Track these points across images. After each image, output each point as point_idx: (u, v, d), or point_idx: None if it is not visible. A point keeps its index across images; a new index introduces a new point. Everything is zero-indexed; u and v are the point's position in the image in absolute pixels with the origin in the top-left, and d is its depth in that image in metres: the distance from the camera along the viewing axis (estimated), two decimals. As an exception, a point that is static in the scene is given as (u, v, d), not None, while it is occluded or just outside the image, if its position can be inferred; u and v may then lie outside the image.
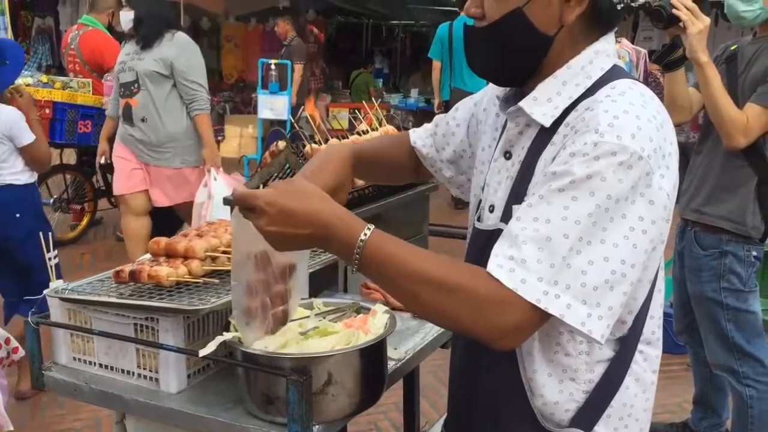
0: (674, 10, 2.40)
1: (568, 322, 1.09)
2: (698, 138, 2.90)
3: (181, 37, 4.55)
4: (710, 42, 2.60)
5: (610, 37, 1.27)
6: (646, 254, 1.14)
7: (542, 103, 1.23)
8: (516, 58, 1.26)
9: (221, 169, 4.37)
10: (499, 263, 1.11)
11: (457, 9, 8.75)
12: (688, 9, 2.39)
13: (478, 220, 1.36)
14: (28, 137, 3.58)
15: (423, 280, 1.14)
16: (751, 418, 2.83)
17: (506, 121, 1.33)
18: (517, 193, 1.25)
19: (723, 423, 3.19)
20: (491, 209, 1.32)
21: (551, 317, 1.10)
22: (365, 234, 1.16)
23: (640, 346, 1.29)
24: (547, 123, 1.23)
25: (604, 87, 1.21)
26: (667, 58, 2.62)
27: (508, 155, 1.31)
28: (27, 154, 3.62)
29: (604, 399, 1.28)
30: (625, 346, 1.27)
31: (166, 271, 1.57)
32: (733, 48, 2.79)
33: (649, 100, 1.19)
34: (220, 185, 4.10)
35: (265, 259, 1.35)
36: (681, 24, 2.43)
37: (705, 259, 2.76)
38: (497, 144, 1.35)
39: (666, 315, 4.23)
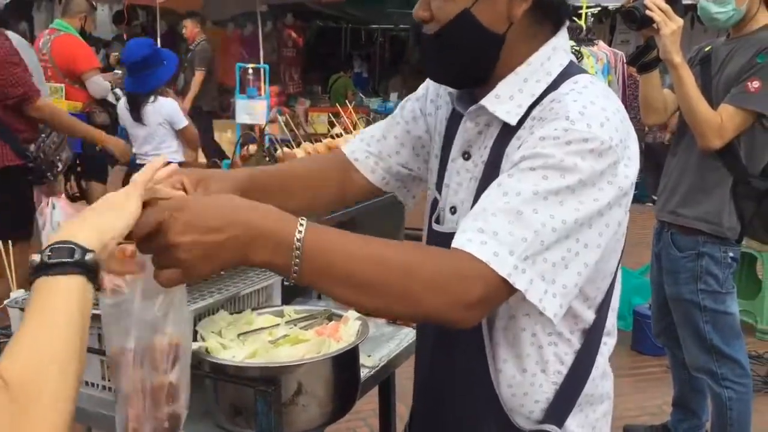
0: (647, 11, 2.40)
1: (528, 299, 1.07)
2: (673, 139, 2.90)
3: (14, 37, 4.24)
4: (687, 44, 2.60)
5: (564, 33, 1.28)
6: (604, 239, 1.14)
7: (504, 101, 1.22)
8: (470, 60, 1.24)
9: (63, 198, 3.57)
10: (468, 237, 1.07)
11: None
12: (661, 10, 2.38)
13: (437, 222, 1.33)
14: (183, 121, 4.70)
15: (381, 263, 1.04)
16: (730, 420, 2.83)
17: (451, 117, 1.32)
18: (483, 192, 1.22)
19: (702, 425, 3.19)
20: (452, 211, 1.30)
21: (513, 294, 1.08)
22: (301, 225, 1.01)
23: (603, 338, 1.30)
24: (513, 121, 1.21)
25: (566, 82, 1.21)
26: (641, 60, 2.62)
27: (466, 155, 1.29)
28: (183, 135, 4.77)
29: (574, 391, 1.28)
30: (592, 337, 1.27)
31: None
32: (707, 49, 2.79)
33: (610, 95, 1.21)
34: (58, 215, 3.20)
35: (144, 346, 1.09)
36: (654, 25, 2.42)
37: (682, 260, 2.75)
38: (451, 143, 1.32)
39: (645, 317, 4.25)
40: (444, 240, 1.19)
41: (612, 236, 1.17)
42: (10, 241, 1.69)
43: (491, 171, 1.23)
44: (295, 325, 1.58)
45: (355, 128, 2.44)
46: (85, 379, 1.58)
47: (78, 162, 6.06)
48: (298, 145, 2.19)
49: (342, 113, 2.48)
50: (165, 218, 0.98)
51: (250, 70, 8.25)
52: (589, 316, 1.26)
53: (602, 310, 1.27)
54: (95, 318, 1.50)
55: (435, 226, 1.33)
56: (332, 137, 2.34)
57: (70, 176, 6.13)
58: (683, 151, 2.77)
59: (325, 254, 1.02)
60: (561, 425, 1.27)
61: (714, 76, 2.69)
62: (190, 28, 8.34)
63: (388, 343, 1.81)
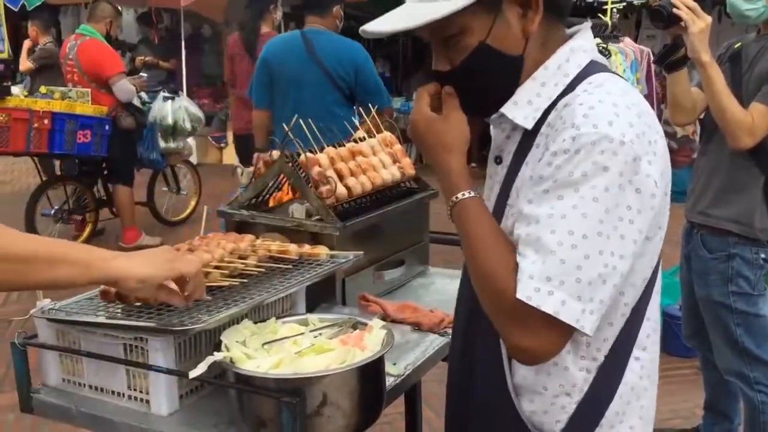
0: (675, 10, 2.35)
1: (562, 319, 1.09)
2: (702, 139, 2.84)
3: None
4: (714, 39, 2.55)
5: (584, 34, 1.28)
6: (635, 245, 1.13)
7: (522, 106, 1.23)
8: (495, 88, 1.26)
9: None
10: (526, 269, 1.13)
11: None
12: (689, 8, 2.33)
13: None
14: None
15: (476, 266, 1.19)
16: (763, 423, 2.77)
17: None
18: (503, 197, 1.27)
19: (735, 429, 3.13)
20: None
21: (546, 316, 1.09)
22: (456, 198, 1.22)
23: (635, 352, 1.27)
24: (529, 125, 1.22)
25: (581, 83, 1.20)
26: (669, 59, 2.57)
27: (498, 160, 1.32)
28: None
29: (598, 409, 1.26)
30: (620, 351, 1.25)
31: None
32: (737, 46, 2.73)
33: (628, 90, 1.19)
34: None
35: None
36: (682, 23, 2.38)
37: (712, 262, 2.70)
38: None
39: (675, 318, 4.18)
40: None
41: (643, 241, 1.15)
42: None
43: (511, 175, 1.26)
44: (320, 333, 1.57)
45: (378, 131, 2.42)
46: (111, 389, 1.59)
47: (104, 165, 6.13)
48: (321, 149, 2.18)
49: (364, 115, 2.46)
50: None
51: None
52: (613, 327, 1.23)
53: (632, 322, 1.24)
54: (122, 328, 1.51)
55: None
56: (355, 141, 2.33)
57: (97, 179, 6.20)
58: (713, 150, 2.71)
59: (460, 223, 1.22)
60: None
61: (744, 74, 2.64)
62: (31, 30, 7.69)
63: (413, 351, 1.79)
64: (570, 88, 1.21)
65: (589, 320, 1.10)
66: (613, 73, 1.26)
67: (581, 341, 1.22)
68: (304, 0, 4.12)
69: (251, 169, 2.23)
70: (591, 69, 1.23)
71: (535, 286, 1.09)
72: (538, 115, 1.22)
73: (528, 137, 1.24)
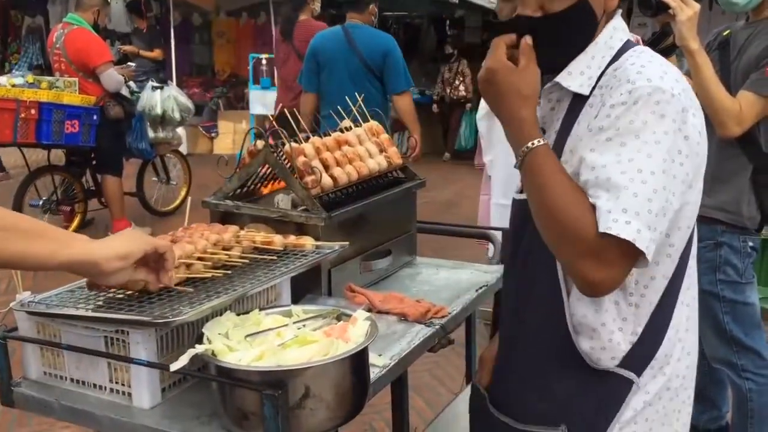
0: (663, -3, 2.34)
1: (638, 246, 1.18)
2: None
3: None
4: (705, 27, 2.54)
5: (620, 16, 1.41)
6: (683, 186, 1.25)
7: (576, 76, 1.36)
8: (573, 46, 1.37)
9: None
10: (603, 202, 1.23)
11: (449, 0, 8.68)
12: (677, -5, 2.32)
13: (520, 192, 1.48)
14: None
15: (553, 210, 1.26)
16: (751, 411, 2.78)
17: None
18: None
19: (723, 416, 3.14)
20: None
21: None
22: (532, 144, 1.28)
23: (681, 297, 1.40)
24: (586, 92, 1.35)
25: (625, 53, 1.35)
26: (657, 47, 2.55)
27: (542, 132, 1.37)
28: None
29: (649, 350, 1.38)
30: (669, 295, 1.37)
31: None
32: (725, 34, 2.72)
33: (665, 61, 1.33)
34: None
35: None
36: (670, 11, 2.36)
37: (700, 250, 2.66)
38: None
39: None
40: (523, 206, 1.41)
41: (690, 184, 1.28)
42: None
43: (562, 138, 1.37)
44: (304, 325, 1.56)
45: (365, 120, 2.40)
46: (92, 382, 1.57)
47: (93, 155, 6.09)
48: (307, 139, 2.16)
49: (350, 103, 2.43)
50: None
51: (264, 61, 8.24)
52: (661, 269, 1.35)
53: (679, 267, 1.37)
54: (103, 321, 1.49)
55: (516, 196, 1.51)
56: (341, 131, 2.31)
57: (85, 170, 6.17)
58: (701, 139, 2.70)
59: (534, 170, 1.28)
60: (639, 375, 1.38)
61: (733, 62, 2.62)
62: None
63: (399, 342, 1.78)
64: (616, 57, 1.35)
65: (652, 250, 1.20)
66: None
67: (630, 278, 1.32)
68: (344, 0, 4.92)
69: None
70: (629, 45, 1.38)
71: (614, 218, 1.18)
72: (592, 82, 1.34)
73: (578, 102, 1.36)
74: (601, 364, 1.38)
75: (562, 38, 1.34)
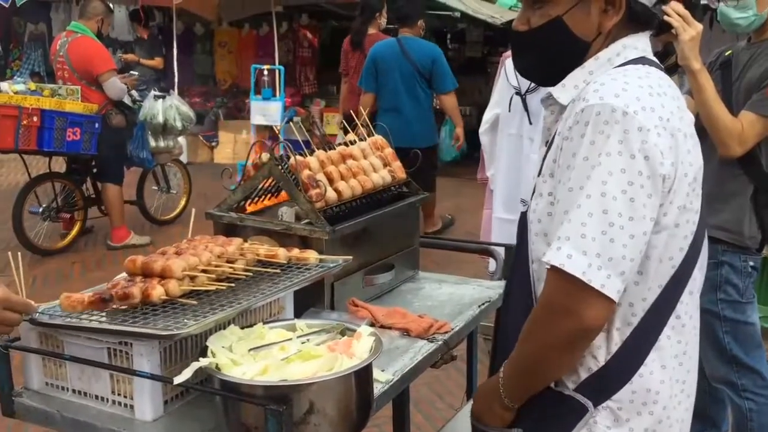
0: (666, 17, 2.34)
1: (568, 271, 1.18)
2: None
3: None
4: (705, 46, 2.55)
5: (641, 36, 1.38)
6: (647, 209, 1.19)
7: (569, 89, 1.35)
8: (555, 62, 1.38)
9: None
10: (553, 246, 1.25)
11: (449, 13, 8.69)
12: (680, 15, 2.33)
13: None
14: None
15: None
16: (751, 431, 2.77)
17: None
18: (540, 169, 1.37)
19: (722, 435, 3.13)
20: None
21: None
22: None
23: (666, 329, 1.33)
24: (565, 101, 1.34)
25: (614, 69, 1.32)
26: (661, 66, 2.57)
27: (547, 143, 1.40)
28: None
29: (617, 379, 1.32)
30: (649, 322, 1.31)
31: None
32: (727, 54, 2.73)
33: (653, 77, 1.29)
34: None
35: None
36: (673, 31, 2.37)
37: (701, 270, 2.70)
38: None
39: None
40: (522, 220, 1.43)
41: (659, 210, 1.23)
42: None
43: (548, 150, 1.37)
44: (308, 339, 1.56)
45: (369, 135, 2.41)
46: (94, 393, 1.57)
47: (94, 163, 6.09)
48: (312, 152, 2.17)
49: (355, 118, 2.44)
50: None
51: (266, 71, 8.26)
52: (647, 295, 1.30)
53: (665, 297, 1.30)
54: (106, 332, 1.49)
55: (522, 208, 1.52)
56: (345, 144, 2.31)
57: (86, 177, 6.17)
58: (702, 158, 2.71)
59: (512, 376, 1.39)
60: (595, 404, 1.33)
61: (734, 82, 2.64)
62: None
63: (402, 357, 1.78)
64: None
65: (596, 275, 1.18)
66: (661, 68, 1.37)
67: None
68: (398, 17, 6.07)
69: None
70: (635, 61, 1.33)
71: (588, 262, 1.19)
72: (575, 94, 1.33)
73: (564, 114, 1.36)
74: (558, 386, 1.35)
75: (539, 52, 1.38)
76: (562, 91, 1.36)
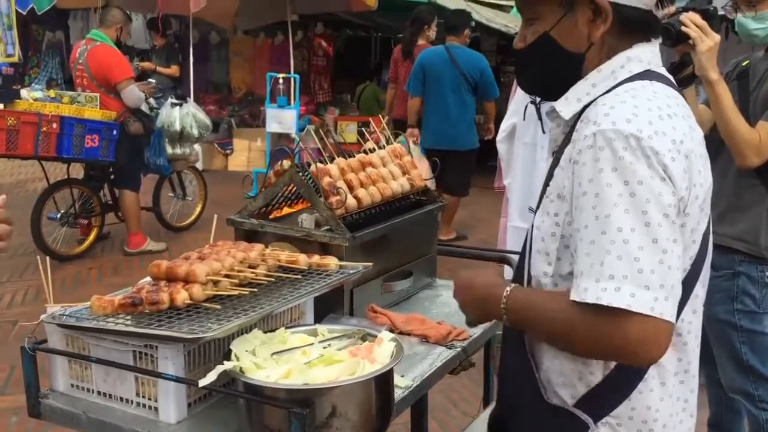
0: (683, 28, 2.36)
1: (636, 311, 1.12)
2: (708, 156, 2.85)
3: None
4: (721, 56, 2.56)
5: (648, 46, 1.34)
6: (678, 231, 1.18)
7: (572, 102, 1.33)
8: (552, 77, 1.37)
9: None
10: (574, 286, 1.20)
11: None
12: (697, 26, 2.34)
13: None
14: None
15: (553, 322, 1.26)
16: (767, 442, 2.76)
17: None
18: (546, 186, 1.35)
19: (738, 446, 3.12)
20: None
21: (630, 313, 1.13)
22: (507, 290, 1.32)
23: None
24: (567, 116, 1.32)
25: (619, 86, 1.28)
26: (677, 76, 2.57)
27: (554, 154, 1.39)
28: None
29: (612, 396, 1.30)
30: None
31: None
32: (744, 64, 2.74)
33: (660, 96, 1.26)
34: None
35: None
36: (690, 41, 2.38)
37: (717, 280, 2.70)
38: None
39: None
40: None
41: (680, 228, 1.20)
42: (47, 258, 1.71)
43: (554, 166, 1.34)
44: (329, 344, 1.58)
45: (388, 142, 2.44)
46: (119, 395, 1.59)
47: (111, 170, 6.15)
48: (331, 160, 2.19)
49: (373, 124, 2.47)
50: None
51: (281, 80, 8.31)
52: None
53: None
54: (132, 335, 1.52)
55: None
56: (365, 152, 2.34)
57: (104, 184, 6.23)
58: (719, 168, 2.71)
59: (519, 312, 1.32)
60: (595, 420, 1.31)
61: (752, 92, 2.64)
62: None
63: (421, 363, 1.80)
64: (611, 90, 1.28)
65: (665, 306, 1.14)
66: (668, 82, 1.33)
67: None
68: (446, 27, 6.53)
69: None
70: (641, 76, 1.29)
71: (602, 286, 1.15)
72: (578, 108, 1.31)
73: (569, 131, 1.32)
74: (553, 399, 1.34)
75: (536, 68, 1.39)
76: (565, 105, 1.33)
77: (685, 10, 2.38)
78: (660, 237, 1.14)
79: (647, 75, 1.30)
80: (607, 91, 1.28)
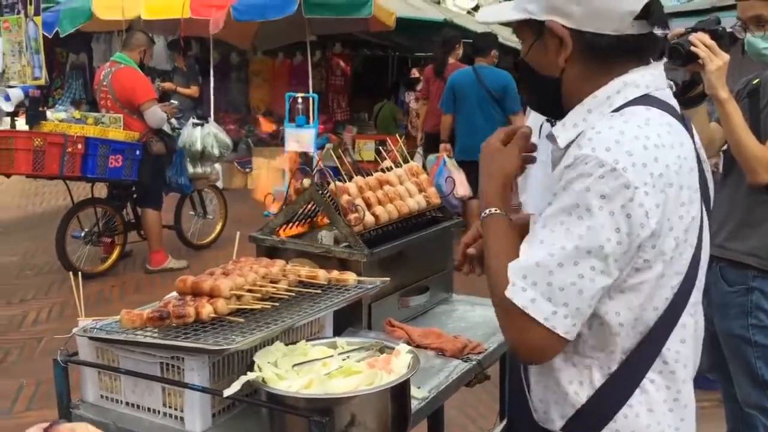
0: (692, 48, 2.41)
1: (531, 315, 1.22)
2: (721, 173, 2.88)
3: None
4: (737, 73, 2.59)
5: (646, 69, 1.34)
6: (619, 263, 1.22)
7: (568, 128, 1.34)
8: (536, 96, 1.45)
9: None
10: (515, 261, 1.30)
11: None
12: (706, 46, 2.39)
13: None
14: None
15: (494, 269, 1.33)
16: (784, 457, 2.77)
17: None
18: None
19: (755, 461, 3.12)
20: None
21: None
22: (489, 212, 1.40)
23: (651, 374, 1.32)
24: (562, 144, 1.34)
25: (616, 113, 1.29)
26: (687, 95, 2.62)
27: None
28: None
29: (598, 418, 1.32)
30: (630, 368, 1.32)
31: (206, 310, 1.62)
32: (755, 82, 2.78)
33: (652, 125, 1.26)
34: None
35: None
36: (700, 61, 2.43)
37: (731, 295, 2.73)
38: None
39: (696, 350, 4.10)
40: None
41: (630, 263, 1.23)
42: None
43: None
44: (348, 356, 1.64)
45: (405, 161, 2.50)
46: (147, 406, 1.66)
47: (134, 189, 6.27)
48: (350, 178, 2.26)
49: (390, 143, 2.53)
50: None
51: (300, 99, 8.43)
52: (627, 342, 1.30)
53: (650, 341, 1.30)
54: (160, 347, 1.58)
55: None
56: (383, 171, 2.40)
57: (126, 203, 6.34)
58: (731, 185, 2.75)
59: (484, 232, 1.41)
60: None
61: (762, 110, 2.68)
62: None
63: (437, 376, 1.85)
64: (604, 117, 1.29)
65: (561, 322, 1.22)
66: (667, 107, 1.33)
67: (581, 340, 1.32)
68: (473, 49, 7.16)
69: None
70: (636, 102, 1.30)
71: (512, 281, 1.25)
72: (573, 136, 1.32)
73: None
74: (547, 423, 1.37)
75: (525, 88, 1.47)
76: (562, 131, 1.34)
77: (695, 30, 2.43)
78: (583, 263, 1.20)
79: (645, 100, 1.30)
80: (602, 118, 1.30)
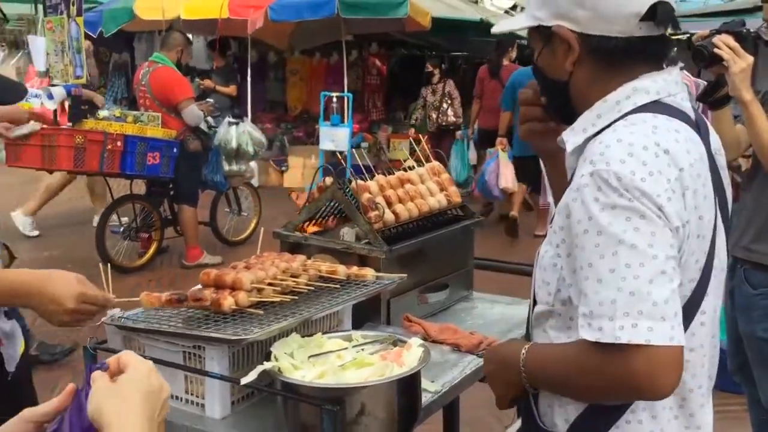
0: (716, 50, 2.41)
1: (657, 344, 1.15)
2: (747, 175, 2.87)
3: None
4: (765, 75, 2.58)
5: (661, 76, 1.32)
6: (672, 262, 1.19)
7: (578, 132, 1.34)
8: (550, 101, 1.47)
9: None
10: (581, 324, 1.22)
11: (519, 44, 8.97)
12: (730, 48, 2.39)
13: None
14: None
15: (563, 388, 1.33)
16: (808, 462, 2.75)
17: None
18: (554, 216, 1.37)
19: (781, 466, 3.09)
20: None
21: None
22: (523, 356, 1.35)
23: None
24: (569, 149, 1.34)
25: (621, 121, 1.29)
26: (712, 97, 2.61)
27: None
28: None
29: (602, 419, 1.32)
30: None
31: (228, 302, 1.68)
32: (783, 84, 2.76)
33: (660, 132, 1.25)
34: None
35: None
36: (723, 63, 2.43)
37: (755, 298, 2.71)
38: None
39: (723, 352, 4.10)
40: None
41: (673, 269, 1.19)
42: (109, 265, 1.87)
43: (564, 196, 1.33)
44: (362, 349, 1.69)
45: (427, 160, 2.55)
46: (171, 393, 1.72)
47: (171, 186, 6.41)
48: (372, 177, 2.32)
49: (422, 141, 2.58)
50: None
51: (334, 98, 8.53)
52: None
53: None
54: (182, 337, 1.66)
55: None
56: (404, 170, 2.45)
57: (164, 199, 6.49)
58: (757, 187, 2.74)
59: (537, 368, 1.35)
60: None
61: (788, 112, 2.66)
62: None
63: (451, 370, 1.89)
64: (613, 123, 1.29)
65: (679, 333, 1.18)
66: (677, 113, 1.31)
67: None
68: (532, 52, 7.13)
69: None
70: (645, 108, 1.29)
71: (618, 324, 1.17)
72: (580, 141, 1.32)
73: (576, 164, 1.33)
74: (552, 427, 1.37)
75: (542, 92, 1.48)
76: (571, 135, 1.35)
77: (718, 32, 2.43)
78: (667, 268, 1.17)
79: (654, 107, 1.29)
80: (611, 124, 1.29)
